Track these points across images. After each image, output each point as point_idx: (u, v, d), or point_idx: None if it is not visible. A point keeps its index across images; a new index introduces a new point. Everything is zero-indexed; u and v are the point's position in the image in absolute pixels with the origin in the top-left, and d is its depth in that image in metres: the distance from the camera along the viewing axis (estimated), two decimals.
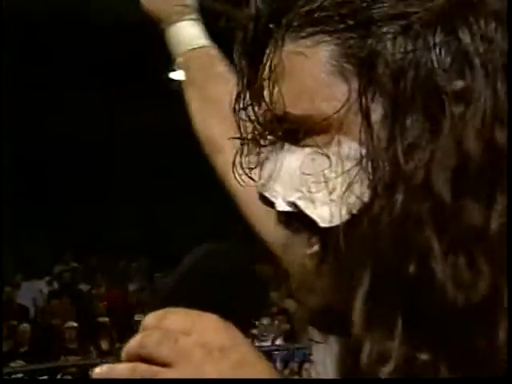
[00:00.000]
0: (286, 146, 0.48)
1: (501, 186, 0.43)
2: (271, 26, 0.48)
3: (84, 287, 8.25)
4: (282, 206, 0.48)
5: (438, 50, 0.44)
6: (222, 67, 0.86)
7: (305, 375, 5.68)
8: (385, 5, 0.45)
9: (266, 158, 0.50)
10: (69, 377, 5.53)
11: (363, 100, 0.44)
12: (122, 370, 0.44)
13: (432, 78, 0.44)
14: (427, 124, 0.43)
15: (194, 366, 0.43)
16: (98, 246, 8.67)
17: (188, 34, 0.92)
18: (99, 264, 8.92)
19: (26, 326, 6.44)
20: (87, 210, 9.22)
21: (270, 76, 0.47)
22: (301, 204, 0.47)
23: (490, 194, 0.43)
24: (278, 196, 0.48)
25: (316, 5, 0.46)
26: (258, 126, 0.50)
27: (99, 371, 0.44)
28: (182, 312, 0.45)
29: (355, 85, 0.45)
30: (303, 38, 0.46)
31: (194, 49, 0.92)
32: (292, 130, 0.48)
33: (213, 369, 0.43)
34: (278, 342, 6.30)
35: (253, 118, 0.50)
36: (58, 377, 5.60)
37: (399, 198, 0.43)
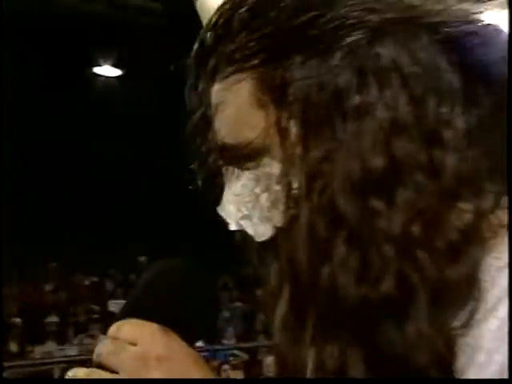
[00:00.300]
0: (235, 171, 0.54)
1: (402, 183, 0.48)
2: (200, 69, 0.55)
3: None
4: (233, 226, 0.54)
5: (338, 71, 0.49)
6: None
7: (223, 376, 5.73)
8: (295, 34, 0.51)
9: (224, 183, 0.56)
10: None
11: (279, 124, 0.50)
12: (80, 373, 0.51)
13: (335, 97, 0.49)
14: (334, 141, 0.49)
15: (132, 375, 0.49)
16: (15, 245, 8.32)
17: (215, 4, 0.89)
18: (14, 263, 8.60)
19: None
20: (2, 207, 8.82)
21: (208, 112, 0.55)
22: (242, 223, 0.53)
23: (392, 194, 0.48)
24: (232, 216, 0.54)
25: (234, 46, 0.52)
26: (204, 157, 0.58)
27: (69, 374, 0.51)
28: (132, 323, 0.52)
29: (273, 112, 0.51)
30: (227, 77, 0.53)
31: None
32: (232, 157, 0.54)
33: (148, 377, 0.49)
34: (199, 343, 6.31)
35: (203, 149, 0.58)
36: None
37: (307, 210, 0.49)
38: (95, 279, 8.63)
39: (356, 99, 0.48)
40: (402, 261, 0.47)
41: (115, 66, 8.55)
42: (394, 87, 0.49)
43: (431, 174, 0.48)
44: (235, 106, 0.52)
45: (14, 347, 6.19)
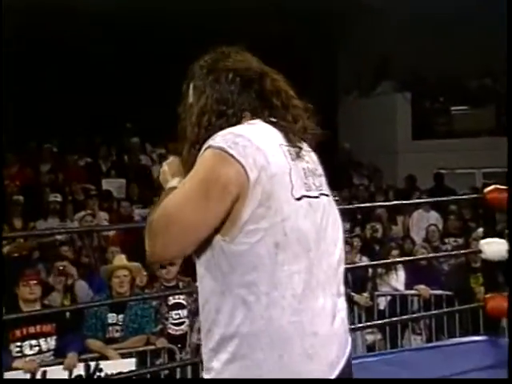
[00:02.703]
0: None
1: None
2: None
3: None
4: None
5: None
6: None
7: None
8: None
9: None
10: None
11: None
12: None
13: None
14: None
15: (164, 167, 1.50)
16: (8, 127, 8.52)
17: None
18: (9, 144, 8.82)
19: None
20: None
21: None
22: None
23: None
24: None
25: None
26: None
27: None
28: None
29: None
30: None
31: None
32: None
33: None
34: None
35: None
36: None
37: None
38: (89, 160, 8.92)
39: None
40: None
41: None
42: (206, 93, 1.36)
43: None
44: None
45: (18, 223, 6.55)
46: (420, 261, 5.82)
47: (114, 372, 3.85)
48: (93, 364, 3.94)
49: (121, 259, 4.79)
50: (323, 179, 1.40)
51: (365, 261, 6.12)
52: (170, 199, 1.27)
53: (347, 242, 6.08)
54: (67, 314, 4.31)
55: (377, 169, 10.07)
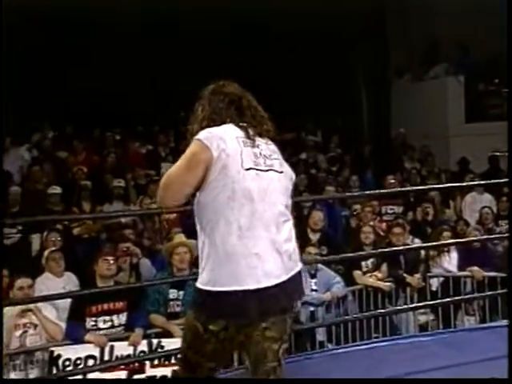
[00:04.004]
0: None
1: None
2: None
3: (62, 154, 8.64)
4: None
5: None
6: None
7: None
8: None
9: None
10: (54, 233, 5.81)
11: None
12: None
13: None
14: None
15: None
16: (74, 116, 8.96)
17: None
18: (75, 133, 9.28)
19: (16, 188, 6.85)
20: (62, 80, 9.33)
21: None
22: None
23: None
24: None
25: None
26: None
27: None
28: None
29: None
30: None
31: None
32: None
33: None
34: None
35: None
36: (44, 233, 5.90)
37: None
38: (150, 147, 9.28)
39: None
40: None
41: None
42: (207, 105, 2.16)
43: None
44: None
45: (86, 207, 6.92)
46: (472, 243, 5.84)
47: (174, 347, 4.12)
48: (155, 341, 4.27)
49: (180, 237, 5.08)
50: (277, 162, 2.10)
51: (417, 243, 6.18)
52: (171, 169, 2.02)
53: (398, 224, 6.09)
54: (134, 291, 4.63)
55: (429, 153, 10.02)
